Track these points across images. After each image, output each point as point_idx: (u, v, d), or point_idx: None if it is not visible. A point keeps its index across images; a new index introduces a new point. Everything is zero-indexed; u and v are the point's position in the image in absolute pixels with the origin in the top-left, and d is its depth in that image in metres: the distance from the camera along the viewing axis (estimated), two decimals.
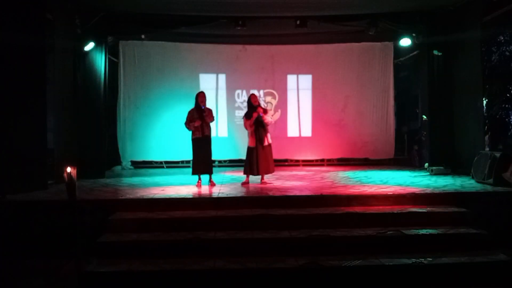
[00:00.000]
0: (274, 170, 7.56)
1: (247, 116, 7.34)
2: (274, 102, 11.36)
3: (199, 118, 7.15)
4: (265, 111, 7.32)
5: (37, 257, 5.34)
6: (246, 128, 7.36)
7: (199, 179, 7.32)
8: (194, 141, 7.25)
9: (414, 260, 4.70)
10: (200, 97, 7.26)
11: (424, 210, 5.72)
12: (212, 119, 7.31)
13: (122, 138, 10.79)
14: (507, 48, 10.16)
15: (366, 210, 5.73)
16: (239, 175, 7.65)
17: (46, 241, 5.49)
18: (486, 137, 9.48)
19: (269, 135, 7.34)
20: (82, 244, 4.49)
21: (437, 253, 4.90)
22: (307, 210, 5.72)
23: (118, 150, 10.71)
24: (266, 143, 7.27)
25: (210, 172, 7.35)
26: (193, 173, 7.34)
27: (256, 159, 7.23)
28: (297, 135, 11.45)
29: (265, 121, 7.22)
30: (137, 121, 10.86)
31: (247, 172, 7.37)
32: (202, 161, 7.23)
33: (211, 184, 7.30)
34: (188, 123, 7.18)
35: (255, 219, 5.49)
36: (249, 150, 7.32)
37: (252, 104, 7.29)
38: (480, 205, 5.88)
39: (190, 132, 7.28)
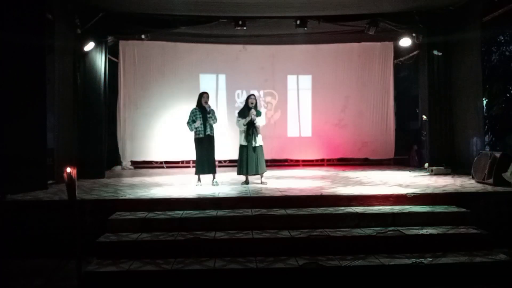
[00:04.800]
0: (265, 170, 7.55)
1: (240, 114, 7.37)
2: (274, 102, 11.37)
3: (202, 118, 7.15)
4: (258, 113, 7.31)
5: (37, 257, 5.35)
6: (238, 126, 7.39)
7: (199, 179, 7.33)
8: (196, 141, 7.27)
9: (414, 260, 4.71)
10: (204, 97, 7.27)
11: (424, 210, 5.72)
12: (215, 120, 7.31)
13: (122, 138, 10.79)
14: (507, 48, 10.17)
15: (366, 210, 5.73)
16: (240, 175, 7.65)
17: (46, 241, 5.50)
18: (486, 137, 9.48)
19: (260, 136, 7.36)
20: (82, 244, 4.48)
21: (437, 253, 4.91)
22: (307, 210, 5.73)
23: (118, 150, 10.71)
24: (257, 144, 7.29)
25: (213, 172, 7.37)
26: (196, 173, 7.34)
27: (245, 159, 7.26)
28: (297, 135, 11.45)
29: (256, 124, 7.24)
30: (137, 121, 10.87)
31: (238, 172, 7.41)
32: (205, 161, 7.26)
33: (214, 184, 7.30)
34: (190, 123, 7.19)
35: (255, 219, 5.49)
36: (240, 149, 7.37)
37: (248, 105, 7.31)
38: (480, 205, 5.90)
39: (192, 132, 7.30)
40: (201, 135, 7.20)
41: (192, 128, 7.23)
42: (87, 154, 8.35)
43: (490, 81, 9.61)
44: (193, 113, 7.27)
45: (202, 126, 7.18)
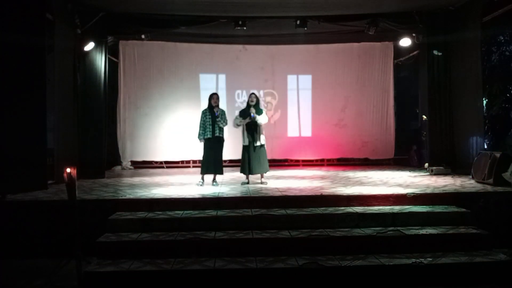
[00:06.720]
0: (268, 170, 7.55)
1: (240, 113, 7.42)
2: (274, 102, 11.37)
3: (211, 119, 7.19)
4: (260, 112, 7.29)
5: (37, 257, 5.35)
6: (234, 123, 7.37)
7: (201, 179, 7.33)
8: (205, 141, 7.29)
9: (414, 260, 4.71)
10: (213, 99, 7.31)
11: (424, 210, 5.72)
12: (224, 122, 7.29)
13: (122, 138, 10.80)
14: (507, 48, 10.17)
15: (366, 210, 5.73)
16: (239, 175, 7.67)
17: (46, 241, 5.50)
18: (486, 137, 9.48)
19: (262, 136, 7.34)
20: (82, 244, 4.48)
21: (437, 253, 4.91)
22: (307, 210, 5.73)
23: (118, 150, 10.72)
24: (258, 143, 7.27)
25: (218, 173, 7.37)
26: (201, 172, 7.35)
27: (247, 158, 7.28)
28: (297, 135, 11.46)
29: (258, 121, 7.23)
30: (137, 121, 10.88)
31: (241, 171, 7.42)
32: (210, 162, 7.26)
33: (215, 184, 7.30)
34: (201, 134, 7.24)
35: (255, 219, 5.49)
36: (243, 149, 7.39)
37: (248, 103, 7.34)
38: (480, 205, 5.89)
39: (197, 132, 7.32)
40: (209, 136, 7.22)
41: (201, 138, 7.28)
42: (87, 154, 8.36)
43: (490, 81, 9.60)
44: (203, 113, 7.31)
45: (210, 127, 7.20)
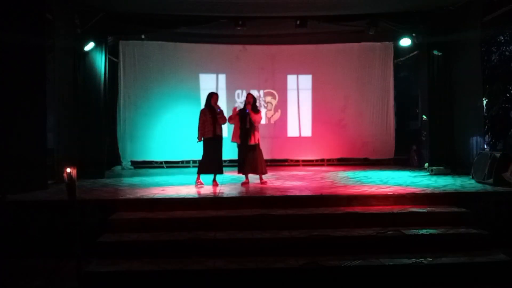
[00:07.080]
0: (266, 171, 7.51)
1: (239, 111, 7.41)
2: (274, 102, 11.37)
3: (212, 118, 7.18)
4: (254, 109, 7.28)
5: (37, 257, 5.34)
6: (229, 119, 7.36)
7: (199, 178, 7.33)
8: (205, 140, 7.27)
9: (414, 260, 4.71)
10: (213, 98, 7.31)
11: (424, 210, 5.72)
12: (224, 120, 7.32)
13: (122, 138, 10.80)
14: (507, 48, 10.17)
15: (366, 210, 5.73)
16: (239, 175, 7.67)
17: (46, 241, 5.50)
18: (486, 137, 9.48)
19: (257, 134, 7.30)
20: (82, 244, 4.48)
21: (437, 253, 4.90)
22: (307, 210, 5.73)
23: (118, 150, 10.71)
24: (252, 142, 7.24)
25: (218, 172, 7.35)
26: (200, 172, 7.34)
27: (242, 157, 7.29)
28: (297, 135, 11.46)
29: (252, 118, 7.20)
30: (137, 121, 10.88)
31: (238, 170, 7.46)
32: (210, 161, 7.26)
33: (215, 184, 7.30)
34: (200, 130, 7.21)
35: (255, 219, 5.49)
36: (238, 148, 7.39)
37: (245, 102, 7.36)
38: (480, 205, 5.89)
39: (197, 133, 7.31)
40: (210, 135, 7.21)
41: (201, 138, 7.26)
42: (87, 154, 8.35)
43: (490, 81, 9.61)
44: (203, 113, 7.29)
45: (211, 126, 7.19)
